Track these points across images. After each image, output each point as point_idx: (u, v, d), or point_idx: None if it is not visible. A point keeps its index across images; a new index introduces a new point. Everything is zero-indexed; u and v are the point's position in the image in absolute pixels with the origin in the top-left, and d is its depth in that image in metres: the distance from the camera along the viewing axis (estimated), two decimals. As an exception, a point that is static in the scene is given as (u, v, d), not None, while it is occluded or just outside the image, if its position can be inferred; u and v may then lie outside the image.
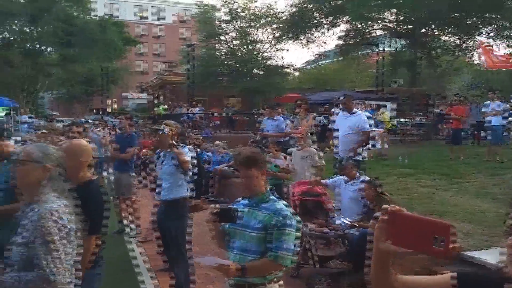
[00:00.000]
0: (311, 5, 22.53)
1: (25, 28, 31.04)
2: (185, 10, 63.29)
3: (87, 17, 32.23)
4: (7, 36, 31.20)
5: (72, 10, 31.21)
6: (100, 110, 47.71)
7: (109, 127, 15.14)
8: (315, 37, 24.99)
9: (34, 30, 31.26)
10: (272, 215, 2.52)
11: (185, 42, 55.71)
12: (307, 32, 24.25)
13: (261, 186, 2.64)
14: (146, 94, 54.00)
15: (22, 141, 16.36)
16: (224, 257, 2.63)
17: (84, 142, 3.09)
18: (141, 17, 64.89)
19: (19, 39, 31.56)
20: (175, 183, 4.63)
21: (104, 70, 37.35)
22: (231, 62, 30.75)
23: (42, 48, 32.88)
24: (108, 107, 38.84)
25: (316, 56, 31.44)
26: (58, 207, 2.20)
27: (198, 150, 8.54)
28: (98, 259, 2.88)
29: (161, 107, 29.81)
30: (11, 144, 3.72)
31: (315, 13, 22.96)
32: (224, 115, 24.66)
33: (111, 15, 48.44)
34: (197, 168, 4.94)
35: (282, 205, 2.60)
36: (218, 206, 2.62)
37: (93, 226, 2.71)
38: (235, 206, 2.67)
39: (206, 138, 14.30)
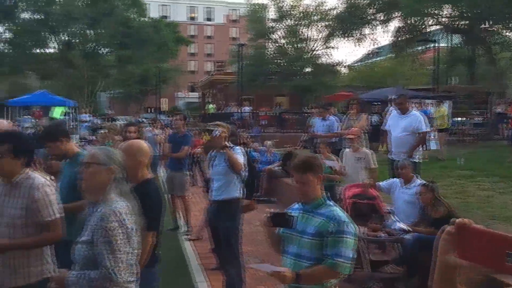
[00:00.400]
0: (364, 1, 22.08)
1: (85, 31, 32.60)
2: (235, 10, 64.00)
3: (142, 19, 33.34)
4: (69, 39, 32.87)
5: (129, 13, 32.40)
6: (153, 109, 49.31)
7: (163, 126, 15.58)
8: (367, 34, 24.45)
9: (94, 33, 32.75)
10: (328, 221, 2.49)
11: (234, 41, 56.44)
12: (359, 28, 23.77)
13: (317, 191, 2.60)
14: (196, 93, 55.19)
15: (81, 139, 17.23)
16: (280, 263, 2.63)
17: (142, 143, 3.21)
18: (192, 18, 66.27)
19: (80, 41, 33.20)
20: (227, 184, 4.69)
21: (158, 70, 38.53)
22: (280, 61, 30.74)
23: (101, 50, 34.38)
24: (161, 106, 40.01)
25: (368, 53, 30.77)
26: (121, 208, 2.29)
27: (247, 149, 8.59)
28: (156, 256, 2.97)
29: (210, 106, 30.31)
30: (75, 144, 3.90)
31: (367, 9, 22.46)
32: (273, 114, 24.69)
33: (165, 17, 49.81)
34: (248, 168, 4.98)
35: (338, 211, 2.57)
36: (272, 210, 2.62)
37: (151, 223, 2.80)
38: (290, 211, 2.66)
39: (254, 137, 14.39)
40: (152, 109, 49.56)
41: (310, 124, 9.66)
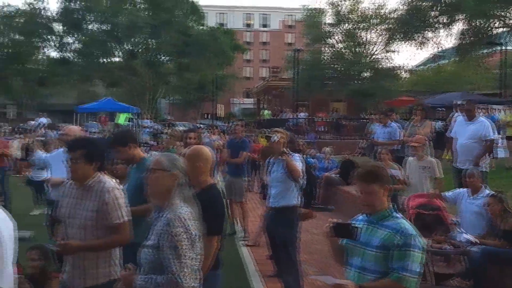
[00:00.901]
0: (426, 3, 21.30)
1: (148, 40, 34.03)
2: (291, 15, 64.13)
3: (201, 27, 34.24)
4: (132, 48, 34.46)
5: (188, 21, 33.39)
6: (209, 115, 50.38)
7: (220, 132, 15.86)
8: (430, 37, 23.54)
9: (155, 42, 34.09)
10: (394, 234, 2.41)
11: (289, 47, 56.46)
12: (421, 31, 22.95)
13: (383, 202, 2.52)
14: (251, 99, 55.72)
15: (143, 144, 17.92)
16: (338, 272, 2.57)
17: (205, 149, 3.26)
18: (248, 25, 67.19)
19: (142, 50, 34.70)
20: (284, 190, 4.68)
21: (214, 77, 39.38)
22: (337, 66, 30.34)
23: (162, 58, 35.70)
24: (217, 112, 40.86)
25: (431, 56, 29.61)
26: (185, 213, 2.34)
27: (304, 156, 8.52)
28: (219, 260, 3.00)
29: (266, 112, 30.45)
30: (142, 150, 4.06)
31: (429, 11, 21.66)
32: (330, 119, 24.34)
33: (222, 24, 50.92)
34: (306, 176, 4.93)
35: (406, 224, 2.48)
36: (336, 220, 2.58)
37: (216, 227, 2.85)
38: (354, 222, 2.60)
39: (310, 144, 14.24)
40: (208, 115, 50.69)
41: (370, 130, 9.43)
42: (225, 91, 50.94)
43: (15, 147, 13.59)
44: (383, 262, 2.39)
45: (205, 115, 52.96)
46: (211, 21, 51.13)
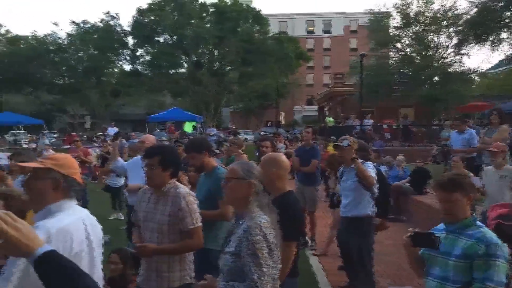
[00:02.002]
0: (499, 3, 20.01)
1: (212, 50, 35.00)
2: (354, 20, 63.08)
3: (263, 36, 34.55)
4: (198, 59, 35.57)
5: (252, 30, 33.87)
6: (270, 123, 50.67)
7: (284, 140, 15.84)
8: (504, 38, 22.06)
9: (219, 52, 34.96)
10: (477, 243, 2.34)
11: (353, 52, 55.45)
12: (495, 33, 21.57)
13: (465, 211, 2.47)
14: (313, 106, 55.30)
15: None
16: (414, 285, 2.48)
17: (282, 156, 3.24)
18: (310, 32, 66.94)
19: (207, 60, 35.72)
20: (357, 200, 4.54)
21: (277, 85, 39.59)
22: (405, 70, 29.24)
23: (226, 68, 36.52)
24: (281, 119, 40.94)
25: (504, 59, 27.70)
26: (264, 222, 2.32)
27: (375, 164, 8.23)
28: (296, 268, 2.95)
29: (330, 119, 30.01)
30: (214, 159, 4.11)
31: (503, 12, 20.32)
32: (397, 126, 23.46)
33: (284, 32, 51.16)
34: (379, 185, 4.75)
35: (490, 233, 2.42)
36: (416, 229, 2.53)
37: (294, 233, 2.82)
38: (434, 231, 2.54)
39: (377, 151, 13.79)
40: (270, 123, 51.00)
41: (444, 137, 8.94)
42: (287, 98, 51.06)
43: (93, 155, 14.49)
44: (465, 272, 2.34)
45: (267, 122, 53.38)
46: (273, 29, 51.61)
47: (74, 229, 1.97)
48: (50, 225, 1.89)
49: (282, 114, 41.45)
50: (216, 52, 35.06)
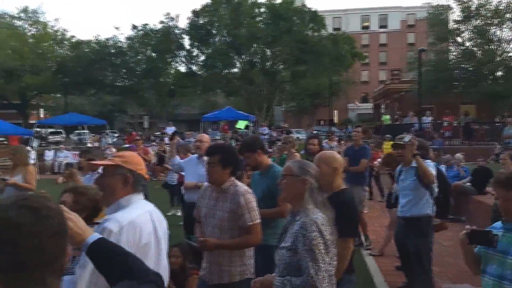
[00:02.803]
0: None
1: (265, 49, 35.08)
2: (412, 14, 60.87)
3: (318, 34, 34.09)
4: (250, 58, 35.83)
5: (307, 28, 33.54)
6: (323, 121, 50.09)
7: (337, 139, 15.63)
8: None
9: (271, 51, 35.00)
10: None
11: (410, 48, 53.51)
12: None
13: None
14: (368, 104, 53.98)
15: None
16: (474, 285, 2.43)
17: (336, 153, 3.26)
18: (365, 27, 65.30)
19: (259, 60, 35.88)
20: (416, 199, 4.44)
21: (330, 83, 39.03)
22: (466, 65, 27.86)
23: (279, 67, 36.51)
24: (334, 118, 40.38)
25: None
26: (319, 218, 2.36)
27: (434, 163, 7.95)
28: (352, 265, 2.95)
29: (386, 117, 29.18)
30: (267, 158, 4.17)
31: None
32: (458, 123, 22.40)
33: (338, 29, 50.30)
34: (438, 184, 4.60)
35: None
36: (473, 227, 2.49)
37: (351, 229, 2.84)
38: (492, 230, 2.49)
39: (437, 150, 13.29)
40: (323, 122, 50.43)
41: (507, 135, 8.49)
42: (340, 96, 50.20)
43: (152, 153, 15.10)
44: None
45: (320, 121, 52.82)
46: (327, 26, 50.99)
47: (142, 221, 2.10)
48: (121, 217, 2.03)
49: (335, 112, 40.77)
50: (268, 51, 35.12)
